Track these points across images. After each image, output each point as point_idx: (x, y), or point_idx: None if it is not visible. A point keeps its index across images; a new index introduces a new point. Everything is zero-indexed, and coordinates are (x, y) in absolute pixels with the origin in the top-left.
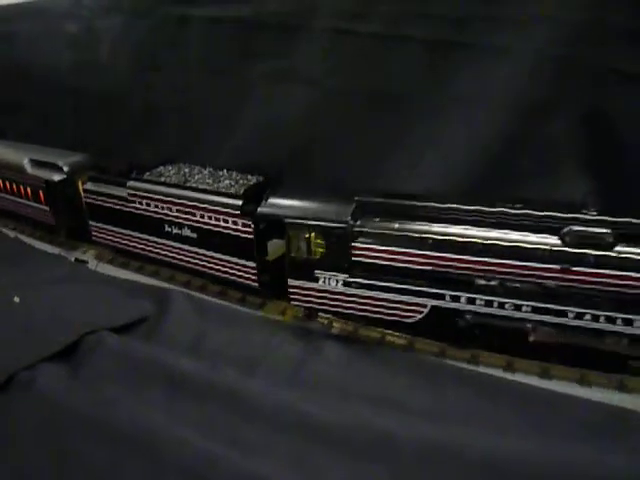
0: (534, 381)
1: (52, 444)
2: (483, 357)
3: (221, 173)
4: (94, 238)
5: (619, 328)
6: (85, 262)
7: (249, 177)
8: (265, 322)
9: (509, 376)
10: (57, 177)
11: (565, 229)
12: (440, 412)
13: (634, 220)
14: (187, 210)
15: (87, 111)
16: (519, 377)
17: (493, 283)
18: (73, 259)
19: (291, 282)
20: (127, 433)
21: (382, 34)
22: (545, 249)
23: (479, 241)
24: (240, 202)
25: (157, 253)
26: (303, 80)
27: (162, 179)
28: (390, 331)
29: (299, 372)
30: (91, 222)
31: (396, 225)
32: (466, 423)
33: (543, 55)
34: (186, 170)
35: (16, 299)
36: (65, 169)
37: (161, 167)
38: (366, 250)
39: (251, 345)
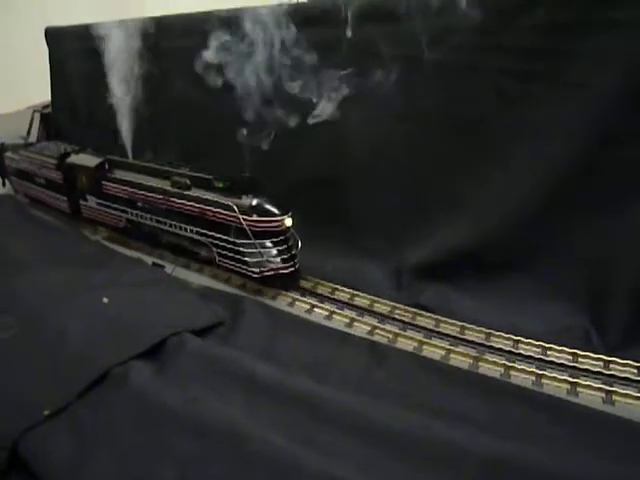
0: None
1: (146, 434)
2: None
3: (64, 147)
4: (14, 187)
5: (188, 234)
6: (162, 266)
7: (75, 147)
8: (332, 333)
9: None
10: None
11: (172, 177)
12: (503, 429)
13: (203, 175)
14: (39, 166)
15: None
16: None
17: (143, 205)
18: (151, 263)
19: (80, 202)
20: (212, 428)
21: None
22: (161, 187)
23: (139, 181)
24: (55, 161)
25: (36, 196)
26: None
27: (33, 149)
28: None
29: (365, 381)
30: (12, 177)
31: (117, 171)
32: (529, 442)
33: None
34: (50, 144)
35: (105, 300)
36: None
37: (41, 143)
38: (106, 185)
39: (320, 354)
